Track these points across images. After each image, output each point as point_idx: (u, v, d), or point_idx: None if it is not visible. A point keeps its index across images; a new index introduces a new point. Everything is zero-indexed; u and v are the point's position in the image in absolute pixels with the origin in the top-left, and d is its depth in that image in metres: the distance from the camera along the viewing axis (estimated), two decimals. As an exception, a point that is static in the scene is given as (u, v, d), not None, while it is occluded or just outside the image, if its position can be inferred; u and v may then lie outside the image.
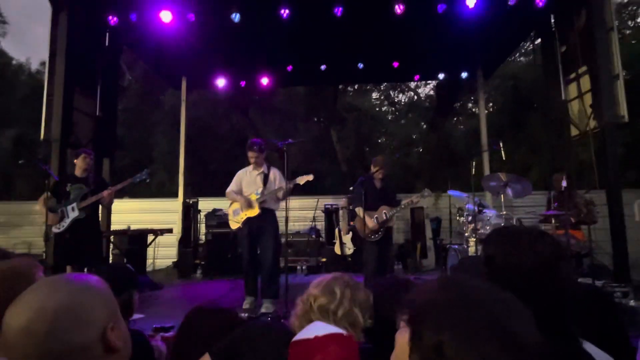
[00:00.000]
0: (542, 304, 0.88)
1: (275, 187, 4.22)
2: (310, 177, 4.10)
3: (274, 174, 4.30)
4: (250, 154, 4.23)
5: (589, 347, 0.91)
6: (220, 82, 8.07)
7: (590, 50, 5.32)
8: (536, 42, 7.57)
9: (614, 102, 5.07)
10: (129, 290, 1.67)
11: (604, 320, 1.16)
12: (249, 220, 4.15)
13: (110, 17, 5.54)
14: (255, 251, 4.21)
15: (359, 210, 4.40)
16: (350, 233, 6.60)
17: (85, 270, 4.08)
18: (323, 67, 7.53)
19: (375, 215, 4.35)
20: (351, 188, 4.72)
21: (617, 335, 1.16)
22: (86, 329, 0.75)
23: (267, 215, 4.18)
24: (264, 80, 7.97)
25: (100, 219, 5.19)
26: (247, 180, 4.32)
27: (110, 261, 6.01)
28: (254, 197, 4.17)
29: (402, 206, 4.41)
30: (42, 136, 5.20)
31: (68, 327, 0.74)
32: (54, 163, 5.10)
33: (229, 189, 4.35)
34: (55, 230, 4.29)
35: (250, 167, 4.34)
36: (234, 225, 4.29)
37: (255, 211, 4.13)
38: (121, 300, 1.68)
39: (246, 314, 2.44)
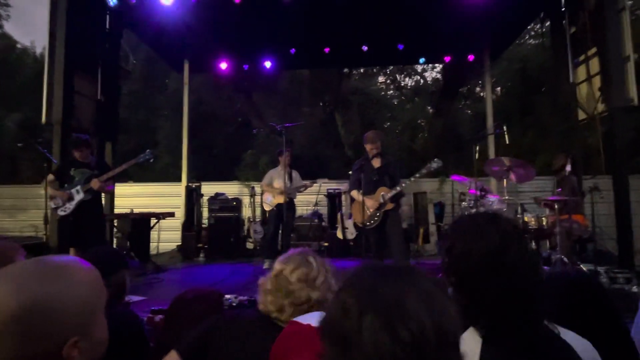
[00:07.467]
0: (496, 291, 0.87)
1: (297, 183, 5.80)
2: (325, 180, 5.86)
3: (295, 173, 5.91)
4: (282, 158, 5.73)
5: (567, 334, 0.88)
6: (223, 66, 7.98)
7: (600, 31, 5.15)
8: (546, 24, 7.37)
9: (623, 84, 4.92)
10: (120, 272, 1.67)
11: (590, 305, 1.13)
12: (278, 205, 5.63)
13: (109, -2, 5.47)
14: (279, 227, 5.72)
15: (354, 194, 4.40)
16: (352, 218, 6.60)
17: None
18: (327, 49, 7.40)
19: (373, 200, 4.31)
20: (350, 173, 4.67)
21: (606, 319, 1.12)
22: (45, 339, 0.63)
23: (291, 202, 5.73)
24: (267, 64, 7.87)
25: (103, 202, 5.22)
26: (277, 177, 5.75)
27: (114, 244, 6.06)
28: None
29: (409, 182, 4.27)
30: (43, 119, 5.19)
31: (27, 333, 0.62)
32: (55, 146, 5.10)
33: (263, 182, 5.92)
34: (61, 213, 4.33)
35: (279, 167, 5.80)
36: (267, 207, 5.86)
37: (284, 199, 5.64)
38: (113, 283, 1.70)
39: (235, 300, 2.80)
